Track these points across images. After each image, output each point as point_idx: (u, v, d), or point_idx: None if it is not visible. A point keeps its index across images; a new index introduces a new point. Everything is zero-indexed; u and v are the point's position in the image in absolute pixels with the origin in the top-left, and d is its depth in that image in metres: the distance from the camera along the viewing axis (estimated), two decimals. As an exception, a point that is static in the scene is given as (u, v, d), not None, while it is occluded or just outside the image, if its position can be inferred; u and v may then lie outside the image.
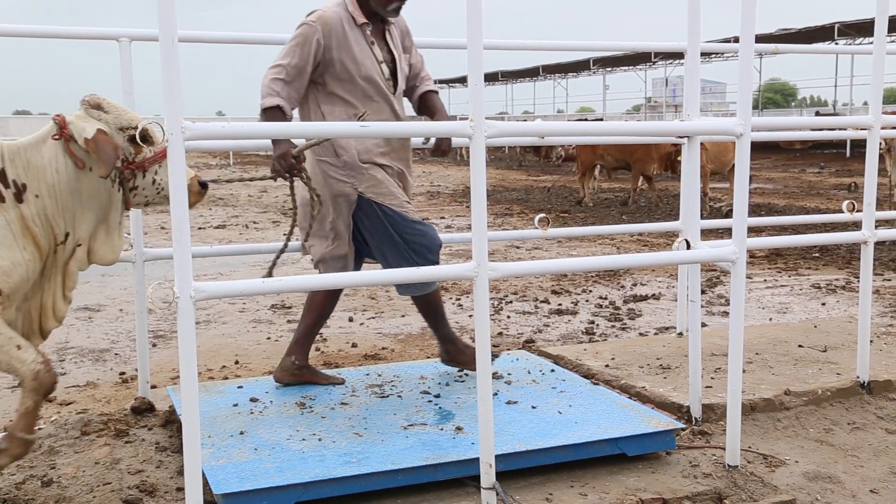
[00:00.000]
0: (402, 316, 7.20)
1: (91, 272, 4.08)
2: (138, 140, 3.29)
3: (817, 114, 36.70)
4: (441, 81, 54.98)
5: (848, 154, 29.45)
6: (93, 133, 3.16)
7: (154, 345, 6.12)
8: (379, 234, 4.10)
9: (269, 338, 6.45)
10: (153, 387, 4.67)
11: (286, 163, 3.79)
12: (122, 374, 5.49)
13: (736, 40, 3.56)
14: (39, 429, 3.28)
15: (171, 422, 4.07)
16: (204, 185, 3.49)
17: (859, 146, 24.94)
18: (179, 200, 2.55)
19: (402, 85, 4.18)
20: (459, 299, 7.81)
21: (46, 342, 3.53)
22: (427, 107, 4.36)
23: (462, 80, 51.54)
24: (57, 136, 3.20)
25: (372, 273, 3.23)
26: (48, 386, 3.18)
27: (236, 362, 5.74)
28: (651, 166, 15.20)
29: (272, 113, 3.86)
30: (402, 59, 4.19)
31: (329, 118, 4.00)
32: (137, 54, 4.30)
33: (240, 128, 2.77)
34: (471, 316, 7.06)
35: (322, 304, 4.30)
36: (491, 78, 52.46)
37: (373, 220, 4.09)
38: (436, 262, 4.02)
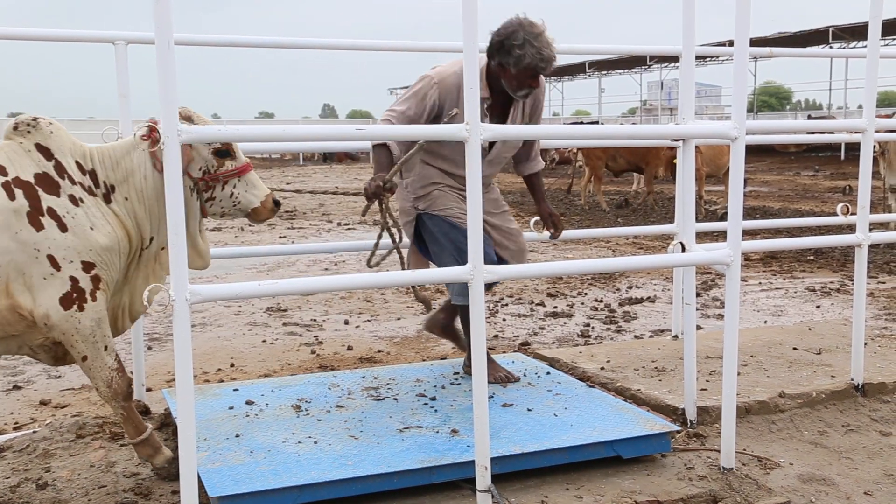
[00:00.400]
0: (398, 319, 7.20)
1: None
2: (211, 155, 3.46)
3: (809, 117, 36.78)
4: (436, 84, 54.90)
5: (842, 157, 29.51)
6: None
7: (149, 347, 6.11)
8: (437, 244, 4.27)
9: (264, 340, 6.45)
10: (148, 389, 4.67)
11: (372, 186, 3.96)
12: (118, 376, 5.49)
13: (730, 44, 3.56)
14: (145, 432, 3.46)
15: (167, 424, 4.06)
16: (277, 203, 3.66)
17: (853, 149, 25.00)
18: (176, 203, 2.56)
19: (497, 152, 4.34)
20: (455, 302, 7.81)
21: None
22: (529, 185, 4.71)
23: (457, 83, 51.52)
24: (146, 137, 3.34)
25: (367, 276, 3.23)
26: (124, 392, 3.33)
27: (232, 365, 5.75)
28: (661, 168, 15.21)
29: (379, 149, 4.10)
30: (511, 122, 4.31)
31: (429, 169, 4.31)
32: (133, 57, 4.31)
33: (236, 130, 2.78)
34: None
35: None
36: (486, 81, 52.24)
37: (431, 231, 4.29)
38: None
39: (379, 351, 6.10)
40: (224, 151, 3.48)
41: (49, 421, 4.28)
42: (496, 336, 6.49)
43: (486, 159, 4.23)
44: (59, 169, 3.23)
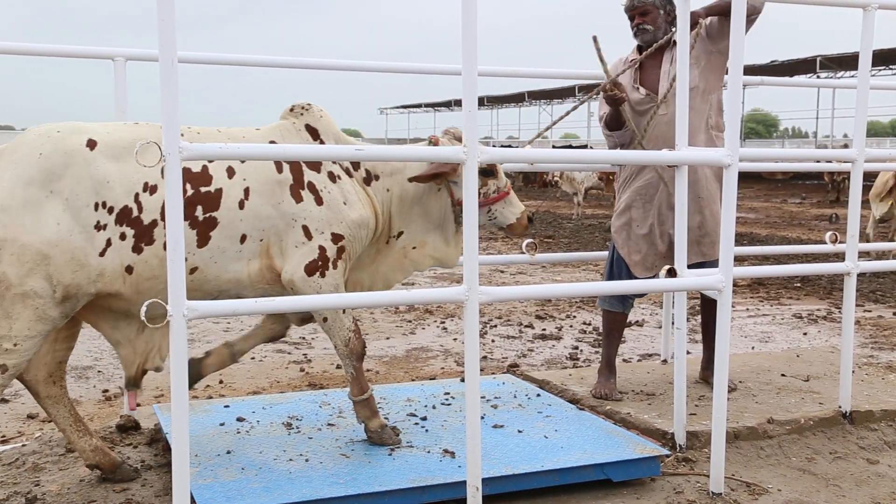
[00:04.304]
0: (387, 338, 7.21)
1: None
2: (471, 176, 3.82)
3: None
4: (427, 105, 55.13)
5: (829, 186, 29.70)
6: None
7: (138, 363, 6.09)
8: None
9: (253, 357, 6.44)
10: (138, 405, 4.65)
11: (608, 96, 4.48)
12: (106, 391, 5.48)
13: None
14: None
15: (157, 440, 4.05)
16: (531, 220, 4.07)
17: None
18: (175, 219, 2.57)
19: (664, 90, 4.53)
20: (444, 322, 7.82)
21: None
22: None
23: (448, 105, 51.68)
24: None
25: (361, 295, 3.26)
26: (359, 352, 3.67)
27: (220, 382, 5.73)
28: None
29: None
30: (668, 74, 4.53)
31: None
32: (129, 73, 4.32)
33: (237, 148, 2.80)
34: (456, 339, 7.08)
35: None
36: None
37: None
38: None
39: (368, 370, 6.10)
40: (488, 171, 3.82)
41: (38, 434, 4.26)
42: (485, 357, 6.50)
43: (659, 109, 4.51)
44: None
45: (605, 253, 4.97)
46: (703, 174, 4.54)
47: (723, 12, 4.36)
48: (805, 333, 7.59)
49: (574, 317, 8.23)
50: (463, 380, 4.32)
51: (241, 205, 3.37)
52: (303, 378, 5.86)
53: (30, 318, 3.09)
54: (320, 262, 3.46)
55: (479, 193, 3.77)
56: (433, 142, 3.76)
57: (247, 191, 3.39)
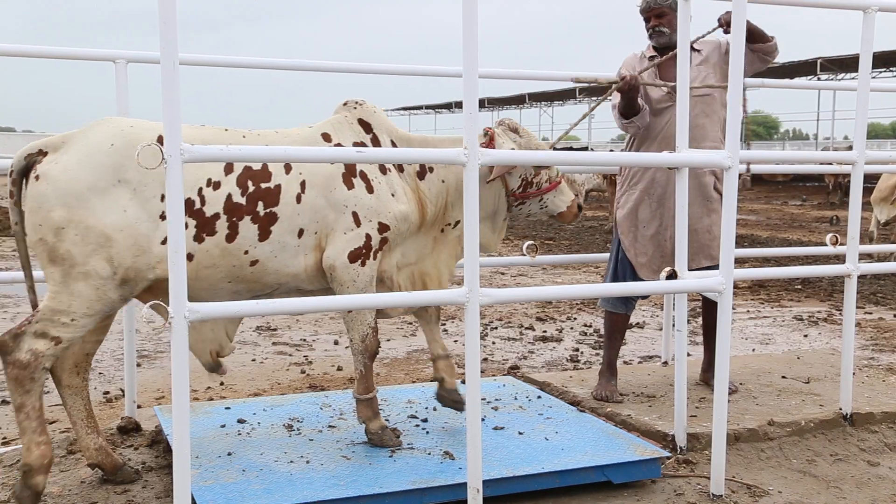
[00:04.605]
0: (388, 340, 7.21)
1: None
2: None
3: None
4: (428, 107, 55.13)
5: (830, 187, 29.70)
6: None
7: (139, 364, 6.09)
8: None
9: (253, 360, 6.44)
10: (139, 406, 4.65)
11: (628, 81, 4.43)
12: (107, 393, 5.47)
13: (725, 75, 3.60)
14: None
15: (158, 442, 4.05)
16: (580, 208, 4.20)
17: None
18: (177, 220, 2.57)
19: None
20: (444, 324, 7.82)
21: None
22: None
23: (448, 106, 51.67)
24: (484, 145, 3.76)
25: (363, 297, 3.26)
26: (373, 350, 3.71)
27: (221, 384, 5.73)
28: None
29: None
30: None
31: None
32: (130, 75, 4.33)
33: (238, 151, 2.80)
34: (456, 341, 7.08)
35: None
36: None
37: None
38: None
39: (369, 372, 6.09)
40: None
41: (39, 436, 4.25)
42: (486, 359, 6.50)
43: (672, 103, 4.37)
44: (375, 142, 3.73)
45: (606, 255, 4.97)
46: (712, 177, 4.54)
47: (750, 37, 4.17)
48: (806, 335, 7.58)
49: (575, 319, 8.23)
50: (464, 382, 4.32)
51: (299, 199, 3.47)
52: (303, 380, 5.86)
53: (90, 297, 3.19)
54: (364, 251, 3.54)
55: (533, 184, 3.93)
56: (489, 134, 3.83)
57: (303, 184, 3.49)
